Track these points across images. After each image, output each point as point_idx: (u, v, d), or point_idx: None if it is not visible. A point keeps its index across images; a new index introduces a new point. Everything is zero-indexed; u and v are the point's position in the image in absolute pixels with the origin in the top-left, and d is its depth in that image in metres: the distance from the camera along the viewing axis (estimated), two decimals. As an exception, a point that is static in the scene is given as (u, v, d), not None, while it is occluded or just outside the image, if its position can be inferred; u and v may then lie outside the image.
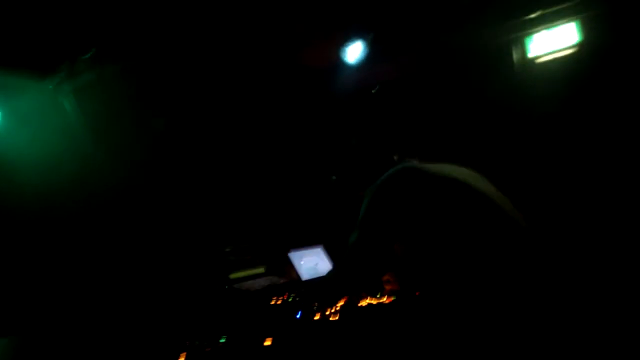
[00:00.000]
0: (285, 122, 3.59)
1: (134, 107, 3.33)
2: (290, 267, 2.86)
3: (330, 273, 1.79)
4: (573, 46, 3.05)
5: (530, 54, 3.22)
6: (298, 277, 2.72)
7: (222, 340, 1.58)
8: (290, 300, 2.22)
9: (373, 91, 3.77)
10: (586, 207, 3.04)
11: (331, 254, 2.91)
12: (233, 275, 2.56)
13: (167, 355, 1.45)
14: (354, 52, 3.07)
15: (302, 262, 2.89)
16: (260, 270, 2.74)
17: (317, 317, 1.92)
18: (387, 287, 2.17)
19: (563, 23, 3.02)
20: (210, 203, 3.26)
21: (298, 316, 1.98)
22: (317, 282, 2.32)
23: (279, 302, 2.18)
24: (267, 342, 1.54)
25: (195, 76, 3.23)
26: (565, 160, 3.19)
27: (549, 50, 3.14)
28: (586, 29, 2.97)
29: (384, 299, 2.12)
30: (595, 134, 3.07)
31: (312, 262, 2.93)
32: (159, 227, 3.09)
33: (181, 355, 1.45)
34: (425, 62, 3.48)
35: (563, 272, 1.56)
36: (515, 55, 3.31)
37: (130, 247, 3.01)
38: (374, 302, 2.11)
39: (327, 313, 1.97)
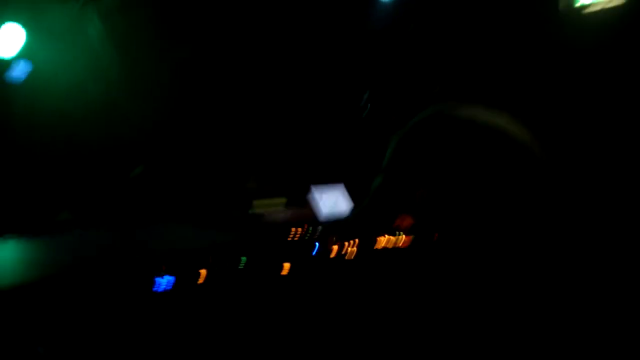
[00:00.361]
0: (316, 54, 3.52)
1: (158, 35, 3.28)
2: (311, 201, 2.94)
3: (350, 215, 1.81)
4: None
5: (578, 3, 3.04)
6: (318, 211, 2.80)
7: (243, 262, 1.68)
8: (307, 237, 2.30)
9: (411, 25, 3.65)
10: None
11: (352, 193, 2.97)
12: (256, 203, 2.66)
13: (189, 269, 1.55)
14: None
15: (322, 197, 2.97)
16: (282, 200, 2.83)
17: (333, 255, 2.00)
18: (403, 224, 2.20)
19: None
20: (237, 134, 3.31)
21: (314, 253, 2.07)
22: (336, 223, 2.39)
23: (296, 237, 2.27)
24: (284, 272, 1.63)
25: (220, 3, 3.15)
26: (602, 120, 3.08)
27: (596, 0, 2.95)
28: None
29: (401, 243, 2.18)
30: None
31: (332, 199, 3.00)
32: (184, 155, 3.17)
33: (201, 270, 1.54)
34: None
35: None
36: (562, 2, 3.12)
37: (157, 175, 3.11)
38: (390, 245, 2.18)
39: (343, 252, 2.05)
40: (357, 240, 2.23)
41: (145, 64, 3.32)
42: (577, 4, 3.08)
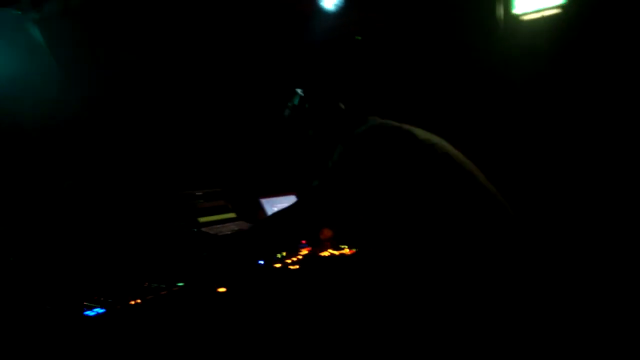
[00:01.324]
0: (261, 64, 3.51)
1: (101, 42, 3.20)
2: (261, 214, 2.91)
3: (284, 212, 1.71)
4: (560, 6, 2.98)
5: (516, 10, 3.15)
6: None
7: (180, 285, 1.63)
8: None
9: (358, 37, 3.68)
10: (571, 175, 3.07)
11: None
12: (202, 219, 2.59)
13: (122, 295, 1.49)
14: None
15: (274, 209, 2.94)
16: (231, 215, 2.78)
17: (277, 265, 1.98)
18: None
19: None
20: (182, 145, 3.23)
21: (261, 263, 2.04)
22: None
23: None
24: (221, 289, 1.59)
25: (165, 14, 3.10)
26: (546, 122, 3.19)
27: (535, 8, 3.06)
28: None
29: (346, 250, 2.19)
30: (579, 97, 3.05)
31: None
32: (125, 166, 3.07)
33: (131, 299, 1.49)
34: (404, 13, 3.37)
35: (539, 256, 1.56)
36: (500, 11, 3.23)
37: (93, 181, 2.99)
38: (336, 252, 2.19)
39: (289, 262, 2.03)
40: (302, 249, 2.23)
41: (86, 69, 3.23)
42: (514, 12, 3.19)
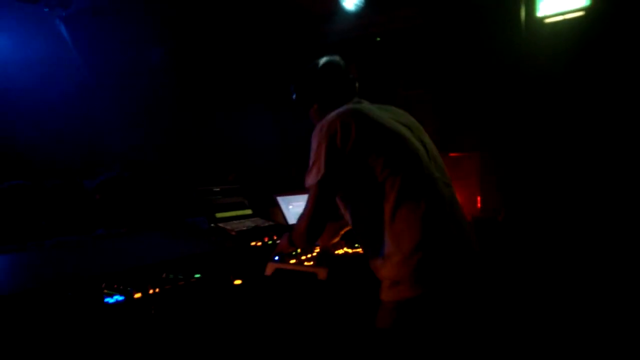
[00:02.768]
0: (278, 63, 3.54)
1: (125, 38, 3.28)
2: (277, 211, 2.93)
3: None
4: (582, 9, 2.95)
5: (540, 13, 3.12)
6: (285, 220, 2.79)
7: (197, 276, 1.66)
8: (270, 242, 2.30)
9: (378, 39, 3.69)
10: (585, 171, 3.06)
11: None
12: (219, 215, 2.63)
13: (140, 284, 1.52)
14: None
15: (290, 207, 2.96)
16: (247, 212, 2.82)
17: (292, 261, 2.00)
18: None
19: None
20: (202, 143, 3.29)
21: (276, 258, 2.07)
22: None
23: (258, 243, 2.27)
24: (237, 282, 1.61)
25: (189, 13, 3.16)
26: (567, 122, 3.17)
27: (558, 11, 3.03)
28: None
29: (360, 249, 2.19)
30: (600, 98, 3.03)
31: (300, 207, 2.99)
32: (148, 161, 3.14)
33: (150, 288, 1.52)
34: (429, 15, 3.37)
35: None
36: (524, 13, 3.20)
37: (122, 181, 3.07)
38: (350, 251, 2.20)
39: (303, 258, 2.05)
40: (316, 248, 2.24)
41: (110, 65, 3.32)
42: (539, 14, 3.16)
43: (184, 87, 3.51)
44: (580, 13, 2.98)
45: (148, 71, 3.48)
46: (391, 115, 1.71)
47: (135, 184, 2.97)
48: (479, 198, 3.56)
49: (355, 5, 2.96)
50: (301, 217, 1.72)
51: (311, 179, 1.61)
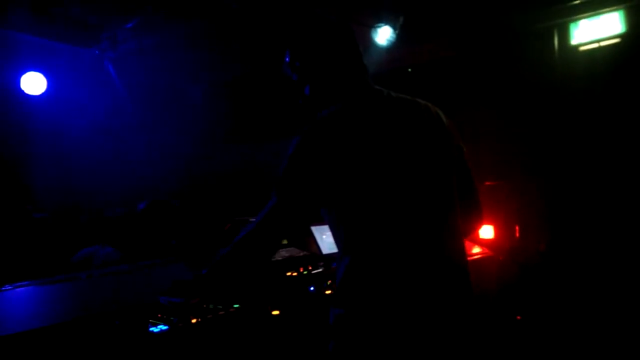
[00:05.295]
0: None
1: (171, 77, 3.48)
2: (311, 241, 2.96)
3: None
4: (617, 36, 2.93)
5: (574, 41, 3.11)
6: (319, 250, 2.81)
7: (236, 306, 1.70)
8: (305, 273, 2.32)
9: (409, 70, 3.75)
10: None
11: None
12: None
13: (181, 315, 1.57)
14: (384, 34, 3.05)
15: (323, 237, 2.98)
16: (282, 242, 2.86)
17: (328, 292, 2.01)
18: None
19: (608, 12, 2.89)
20: (240, 173, 3.39)
21: (312, 289, 2.08)
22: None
23: (294, 274, 2.29)
24: (275, 312, 1.64)
25: (228, 51, 3.32)
26: (603, 150, 3.12)
27: (592, 39, 3.02)
28: (631, 19, 2.84)
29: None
30: (635, 126, 2.97)
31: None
32: (187, 192, 3.25)
33: (192, 318, 1.55)
34: (460, 46, 3.41)
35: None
36: (558, 42, 3.20)
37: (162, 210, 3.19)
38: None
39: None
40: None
41: (158, 102, 3.52)
42: (573, 42, 3.16)
43: (222, 120, 3.65)
44: (616, 40, 2.95)
45: (189, 106, 3.65)
46: (396, 122, 1.36)
47: (182, 213, 3.08)
48: (517, 227, 3.48)
49: (387, 40, 3.04)
50: None
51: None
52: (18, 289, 1.83)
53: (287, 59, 1.48)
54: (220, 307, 1.66)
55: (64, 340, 1.40)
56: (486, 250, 2.91)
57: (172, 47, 3.17)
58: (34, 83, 3.49)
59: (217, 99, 3.73)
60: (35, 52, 3.18)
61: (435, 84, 3.66)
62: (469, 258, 1.43)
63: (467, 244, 1.50)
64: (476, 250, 2.91)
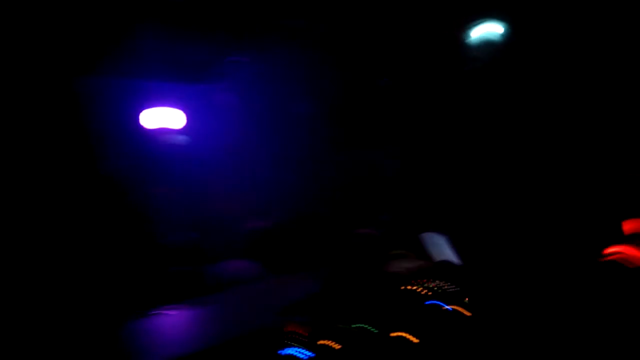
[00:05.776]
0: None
1: (285, 95, 3.71)
2: (424, 249, 2.95)
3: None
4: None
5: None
6: (431, 259, 2.80)
7: (355, 326, 1.76)
8: (425, 286, 2.32)
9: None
10: None
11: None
12: (374, 258, 2.75)
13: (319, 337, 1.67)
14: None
15: (436, 245, 2.96)
16: (399, 251, 2.89)
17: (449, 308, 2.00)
18: None
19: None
20: (352, 184, 3.49)
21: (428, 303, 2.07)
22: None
23: (415, 287, 2.30)
24: (413, 339, 1.66)
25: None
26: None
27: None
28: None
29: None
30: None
31: (444, 245, 2.96)
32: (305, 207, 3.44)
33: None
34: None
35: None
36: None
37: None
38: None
39: (459, 306, 2.03)
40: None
41: (279, 129, 3.82)
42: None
43: (333, 134, 3.78)
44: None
45: (301, 123, 3.85)
46: None
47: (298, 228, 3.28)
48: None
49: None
50: None
51: None
52: (165, 313, 2.07)
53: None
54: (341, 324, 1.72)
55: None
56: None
57: (282, 71, 3.38)
58: (171, 118, 4.01)
59: (331, 110, 3.88)
60: (167, 92, 3.66)
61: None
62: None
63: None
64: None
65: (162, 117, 3.92)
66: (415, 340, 1.68)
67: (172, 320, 2.06)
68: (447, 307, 2.06)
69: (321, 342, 1.59)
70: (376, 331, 1.74)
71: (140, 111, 3.93)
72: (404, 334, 1.71)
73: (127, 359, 1.55)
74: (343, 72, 3.58)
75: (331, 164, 3.61)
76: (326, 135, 3.68)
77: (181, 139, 4.00)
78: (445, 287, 2.27)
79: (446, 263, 2.62)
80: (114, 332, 1.86)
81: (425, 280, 2.38)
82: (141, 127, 3.98)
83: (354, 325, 1.76)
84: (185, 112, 3.92)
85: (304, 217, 3.34)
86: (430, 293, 2.19)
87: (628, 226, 2.22)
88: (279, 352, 1.53)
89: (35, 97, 3.56)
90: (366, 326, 1.78)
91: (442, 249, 2.83)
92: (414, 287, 2.32)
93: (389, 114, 3.68)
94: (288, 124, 3.74)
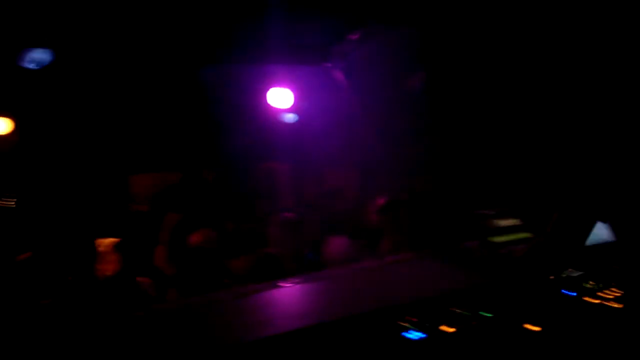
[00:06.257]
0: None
1: (395, 81, 3.59)
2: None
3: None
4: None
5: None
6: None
7: (487, 315, 1.65)
8: (565, 275, 2.07)
9: None
10: None
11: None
12: (495, 239, 2.54)
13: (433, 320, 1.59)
14: None
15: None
16: (525, 235, 2.64)
17: (594, 301, 1.76)
18: None
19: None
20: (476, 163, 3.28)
21: (572, 294, 1.85)
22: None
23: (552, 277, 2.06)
24: (534, 328, 1.52)
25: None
26: None
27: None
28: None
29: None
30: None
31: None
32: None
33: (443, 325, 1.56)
34: None
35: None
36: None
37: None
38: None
39: (607, 296, 1.77)
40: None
41: (385, 108, 3.74)
42: None
43: (446, 110, 3.59)
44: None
45: (409, 99, 3.71)
46: None
47: (413, 207, 3.18)
48: None
49: None
50: None
51: None
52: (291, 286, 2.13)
53: None
54: (468, 314, 1.63)
55: (321, 341, 1.54)
56: None
57: (391, 49, 3.28)
58: (282, 98, 4.18)
59: (436, 85, 3.69)
60: (283, 74, 3.82)
61: None
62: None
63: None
64: None
65: (281, 98, 4.09)
66: (536, 329, 1.51)
67: (291, 292, 2.10)
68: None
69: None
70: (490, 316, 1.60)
71: (262, 94, 4.14)
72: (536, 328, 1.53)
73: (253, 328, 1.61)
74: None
75: (444, 143, 3.42)
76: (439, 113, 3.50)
77: (296, 117, 4.15)
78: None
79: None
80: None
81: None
82: (263, 108, 4.20)
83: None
84: (302, 92, 4.04)
85: (417, 195, 3.21)
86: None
87: None
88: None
89: (164, 87, 3.96)
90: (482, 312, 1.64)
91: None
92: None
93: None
94: (398, 100, 3.63)
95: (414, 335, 1.49)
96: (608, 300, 1.75)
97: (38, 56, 3.48)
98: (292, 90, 4.07)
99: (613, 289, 1.84)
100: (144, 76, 3.93)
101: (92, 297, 2.78)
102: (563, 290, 1.85)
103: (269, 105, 4.26)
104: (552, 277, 2.03)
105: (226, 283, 2.82)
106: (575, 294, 1.83)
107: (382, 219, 3.46)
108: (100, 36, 3.35)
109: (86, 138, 4.27)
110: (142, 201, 4.58)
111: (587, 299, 1.79)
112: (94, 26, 3.22)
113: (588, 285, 1.92)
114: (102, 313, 2.24)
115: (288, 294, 2.06)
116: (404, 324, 1.56)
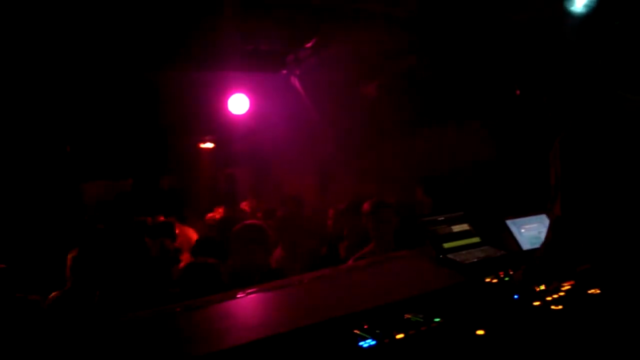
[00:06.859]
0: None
1: (347, 77, 3.65)
2: (508, 236, 2.75)
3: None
4: None
5: None
6: (518, 247, 2.61)
7: (437, 320, 1.69)
8: (507, 279, 2.17)
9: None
10: None
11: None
12: (446, 245, 2.62)
13: (385, 327, 1.62)
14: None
15: (522, 231, 2.75)
16: (475, 240, 2.73)
17: (536, 303, 1.84)
18: None
19: None
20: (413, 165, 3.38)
21: (516, 297, 1.93)
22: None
23: (494, 280, 2.16)
24: (479, 332, 1.58)
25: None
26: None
27: None
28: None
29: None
30: None
31: (535, 231, 2.75)
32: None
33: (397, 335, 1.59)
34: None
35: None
36: None
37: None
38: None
39: (549, 299, 1.86)
40: (568, 284, 2.00)
41: (338, 108, 3.78)
42: None
43: (397, 113, 3.68)
44: None
45: (364, 103, 3.79)
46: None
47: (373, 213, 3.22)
48: None
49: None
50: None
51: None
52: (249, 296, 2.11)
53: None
54: (420, 319, 1.67)
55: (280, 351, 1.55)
56: None
57: (346, 54, 3.33)
58: (239, 104, 4.14)
59: (393, 89, 3.77)
60: (238, 82, 3.80)
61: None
62: None
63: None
64: None
65: (238, 104, 4.07)
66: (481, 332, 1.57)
67: (248, 303, 2.08)
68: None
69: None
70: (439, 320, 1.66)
71: (220, 100, 4.10)
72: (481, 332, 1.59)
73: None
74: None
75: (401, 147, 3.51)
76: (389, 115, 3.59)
77: (255, 123, 4.18)
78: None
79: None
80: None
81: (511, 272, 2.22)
82: (221, 114, 4.16)
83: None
84: (259, 97, 4.05)
85: (376, 202, 3.26)
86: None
87: None
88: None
89: (120, 92, 3.85)
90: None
91: (535, 234, 2.63)
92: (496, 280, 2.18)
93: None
94: (353, 103, 3.71)
95: (366, 343, 1.52)
96: (550, 303, 1.83)
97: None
98: (249, 97, 4.08)
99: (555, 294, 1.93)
100: (97, 83, 3.81)
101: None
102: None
103: (227, 111, 4.23)
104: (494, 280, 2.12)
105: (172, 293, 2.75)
106: (517, 296, 1.91)
107: (342, 224, 3.50)
108: (56, 41, 3.23)
109: (36, 146, 4.11)
110: (94, 209, 4.43)
111: (533, 302, 1.86)
112: (50, 30, 3.11)
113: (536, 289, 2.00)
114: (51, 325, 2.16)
115: (244, 305, 2.04)
116: (358, 332, 1.58)
